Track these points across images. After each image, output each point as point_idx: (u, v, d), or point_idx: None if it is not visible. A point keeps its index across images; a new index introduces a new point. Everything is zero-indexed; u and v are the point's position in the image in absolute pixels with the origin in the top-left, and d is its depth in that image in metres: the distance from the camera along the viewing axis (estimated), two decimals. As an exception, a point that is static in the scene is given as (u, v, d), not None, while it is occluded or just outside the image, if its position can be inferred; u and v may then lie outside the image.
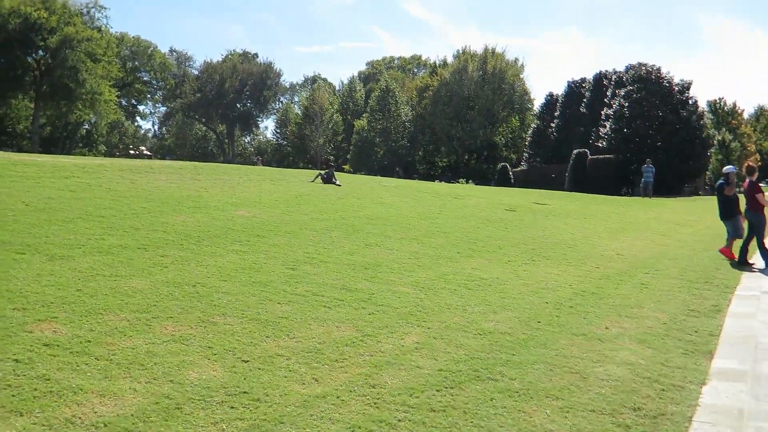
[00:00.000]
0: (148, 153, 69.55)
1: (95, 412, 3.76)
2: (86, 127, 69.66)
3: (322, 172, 19.18)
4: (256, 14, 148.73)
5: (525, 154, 53.53)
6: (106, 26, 63.88)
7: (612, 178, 35.38)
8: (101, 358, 4.54)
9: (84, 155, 58.28)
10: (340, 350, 5.20)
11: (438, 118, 60.15)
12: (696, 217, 19.30)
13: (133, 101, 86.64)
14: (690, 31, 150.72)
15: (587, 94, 46.22)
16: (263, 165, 48.58)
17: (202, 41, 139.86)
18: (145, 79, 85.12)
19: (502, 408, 4.37)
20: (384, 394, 4.44)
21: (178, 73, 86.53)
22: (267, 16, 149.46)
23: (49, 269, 6.56)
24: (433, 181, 44.39)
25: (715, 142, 51.64)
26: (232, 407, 4.03)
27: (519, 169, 49.76)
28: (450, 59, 67.01)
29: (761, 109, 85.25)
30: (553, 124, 49.48)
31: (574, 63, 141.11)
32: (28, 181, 11.66)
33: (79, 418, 3.67)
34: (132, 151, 67.44)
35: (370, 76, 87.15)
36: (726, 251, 11.50)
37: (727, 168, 12.14)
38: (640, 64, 39.80)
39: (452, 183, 40.36)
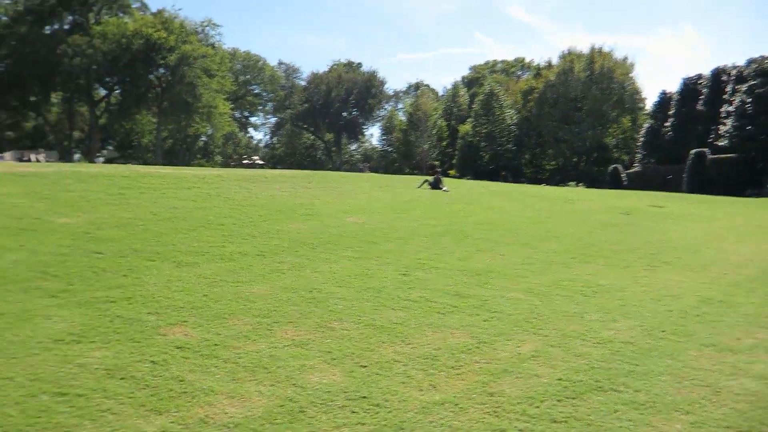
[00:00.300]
0: (261, 162, 72.79)
1: (226, 413, 3.93)
2: (203, 139, 74.26)
3: (429, 178, 19.29)
4: (360, 26, 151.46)
5: (638, 155, 51.43)
6: (219, 43, 68.20)
7: (735, 179, 33.32)
8: (228, 360, 4.75)
9: (202, 166, 61.96)
10: (456, 357, 5.16)
11: (544, 121, 58.66)
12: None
13: (246, 113, 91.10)
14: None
15: (704, 91, 44.03)
16: (370, 171, 49.40)
17: (308, 53, 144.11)
18: (256, 91, 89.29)
19: (628, 421, 4.16)
20: (503, 402, 4.35)
21: (287, 85, 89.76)
22: (370, 27, 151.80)
23: (177, 275, 7.00)
24: (541, 184, 43.38)
25: None
26: (353, 412, 4.08)
27: (632, 170, 47.76)
28: (555, 60, 65.03)
29: None
30: (667, 124, 47.24)
31: (687, 60, 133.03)
32: (154, 192, 12.54)
33: (212, 418, 3.85)
34: (245, 161, 70.80)
35: (473, 81, 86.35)
36: None
37: None
38: (763, 58, 37.22)
39: (561, 186, 39.23)
